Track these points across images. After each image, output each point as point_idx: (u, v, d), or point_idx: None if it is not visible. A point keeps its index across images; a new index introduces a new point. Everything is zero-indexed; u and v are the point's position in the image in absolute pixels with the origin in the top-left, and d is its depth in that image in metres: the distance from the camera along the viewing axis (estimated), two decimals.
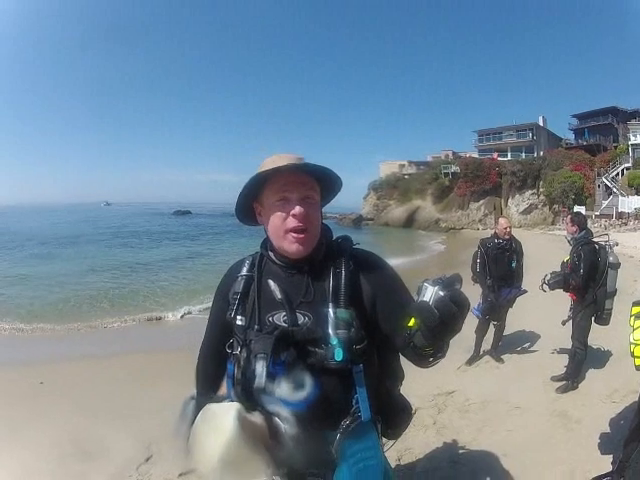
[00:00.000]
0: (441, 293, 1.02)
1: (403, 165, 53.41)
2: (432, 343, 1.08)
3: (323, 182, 1.41)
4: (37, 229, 41.47)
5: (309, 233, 1.35)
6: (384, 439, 1.56)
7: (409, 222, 44.83)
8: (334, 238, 1.50)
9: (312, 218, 1.35)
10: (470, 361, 5.47)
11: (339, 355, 1.27)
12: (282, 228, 1.34)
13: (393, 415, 1.51)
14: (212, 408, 1.29)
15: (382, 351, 1.44)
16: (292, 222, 1.32)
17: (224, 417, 1.22)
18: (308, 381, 1.25)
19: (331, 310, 1.31)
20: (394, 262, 16.41)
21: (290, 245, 1.34)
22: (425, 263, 18.72)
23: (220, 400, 1.37)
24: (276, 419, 1.26)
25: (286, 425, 1.25)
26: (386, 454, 1.56)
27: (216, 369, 1.54)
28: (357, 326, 1.31)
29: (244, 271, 1.48)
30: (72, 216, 72.74)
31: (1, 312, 9.82)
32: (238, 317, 1.42)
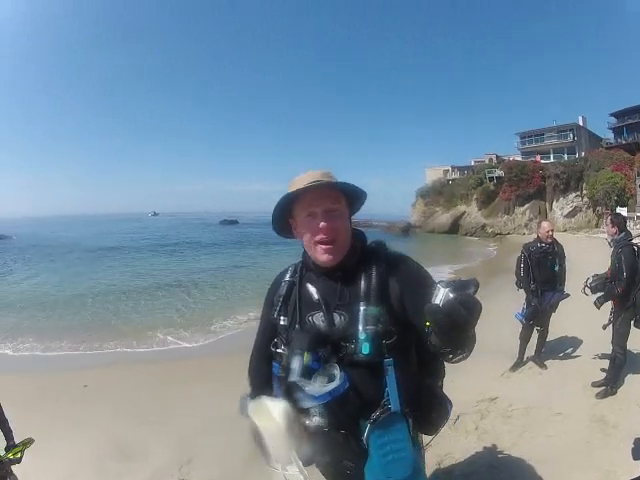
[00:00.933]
0: (451, 295, 1.05)
1: (447, 170, 53.38)
2: (446, 343, 1.10)
3: (347, 193, 1.49)
4: (85, 238, 43.34)
5: (337, 243, 1.44)
6: (421, 435, 1.60)
7: (454, 228, 44.42)
8: (368, 243, 1.58)
9: (338, 229, 1.44)
10: (514, 367, 5.45)
11: (366, 349, 1.34)
12: (312, 241, 1.45)
13: (430, 410, 1.53)
14: (264, 401, 1.40)
15: (420, 348, 1.45)
16: (319, 235, 1.43)
17: (273, 411, 1.34)
18: (338, 374, 1.33)
19: (362, 308, 1.39)
20: (444, 269, 16.72)
21: (320, 256, 1.45)
22: (472, 271, 18.52)
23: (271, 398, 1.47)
24: (308, 413, 1.36)
25: (317, 419, 1.35)
26: (425, 454, 1.61)
27: (266, 368, 1.61)
28: (385, 322, 1.38)
29: (287, 277, 1.62)
30: (121, 225, 75.82)
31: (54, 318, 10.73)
32: (281, 317, 1.54)
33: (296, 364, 1.37)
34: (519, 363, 5.51)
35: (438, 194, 49.98)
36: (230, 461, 3.52)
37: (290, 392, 1.38)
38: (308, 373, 1.36)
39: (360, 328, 1.37)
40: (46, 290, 15.35)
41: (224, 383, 3.89)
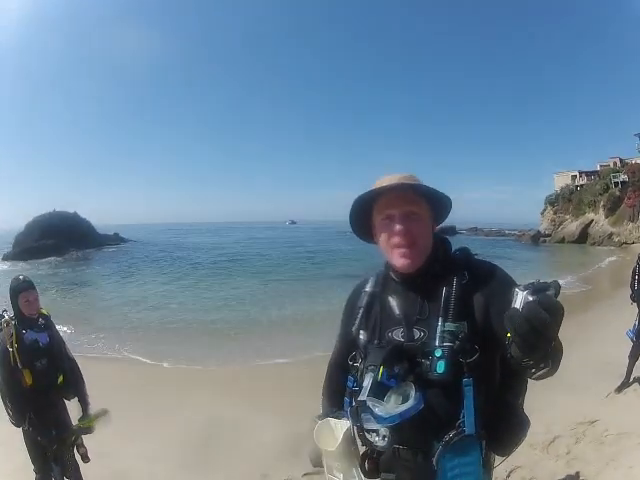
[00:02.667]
0: (530, 298, 0.98)
1: (575, 176, 52.47)
2: (527, 353, 1.02)
3: (429, 198, 1.43)
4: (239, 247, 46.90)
5: (415, 247, 1.38)
6: (494, 455, 1.49)
7: (583, 237, 43.51)
8: (453, 250, 1.51)
9: (417, 233, 1.38)
10: (620, 388, 5.21)
11: (440, 367, 1.28)
12: (389, 245, 1.41)
13: (508, 432, 1.43)
14: (328, 422, 1.46)
15: (504, 363, 1.35)
16: (396, 238, 1.38)
17: (336, 432, 1.41)
18: (413, 394, 1.26)
19: (439, 324, 1.32)
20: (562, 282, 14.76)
21: (397, 260, 1.40)
22: (596, 283, 18.13)
23: (340, 417, 1.49)
24: (374, 435, 1.34)
25: (385, 439, 1.31)
26: (494, 473, 1.53)
27: (340, 382, 1.58)
28: (464, 339, 1.30)
29: (368, 287, 1.57)
30: (265, 233, 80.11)
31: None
32: (361, 331, 1.50)
33: (367, 382, 1.31)
34: (625, 384, 5.25)
35: (567, 201, 49.49)
36: None
37: (358, 410, 1.34)
38: (381, 391, 1.30)
39: (436, 345, 1.31)
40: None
41: None
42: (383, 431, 1.31)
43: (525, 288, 1.02)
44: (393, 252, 1.41)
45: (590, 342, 5.29)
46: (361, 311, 1.53)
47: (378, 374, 1.31)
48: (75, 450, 3.17)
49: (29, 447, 3.09)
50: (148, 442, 4.66)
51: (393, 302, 1.46)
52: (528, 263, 27.27)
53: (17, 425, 3.02)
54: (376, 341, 1.44)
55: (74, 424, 3.16)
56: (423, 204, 1.43)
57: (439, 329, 1.32)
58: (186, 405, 5.84)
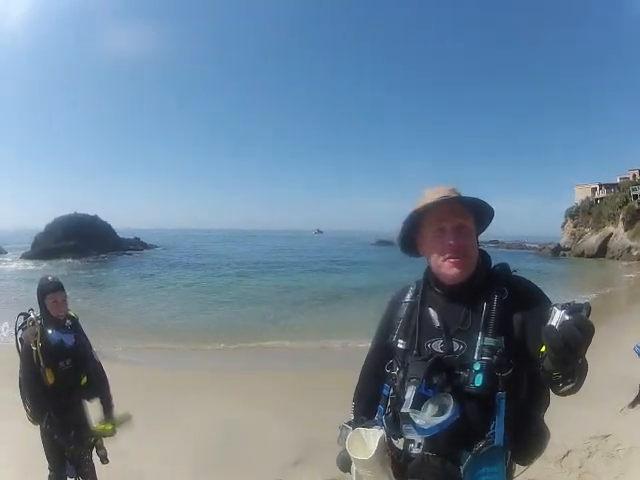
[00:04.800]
0: (567, 317, 1.07)
1: (595, 188, 52.68)
2: (559, 367, 1.11)
3: (475, 210, 1.48)
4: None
5: (466, 259, 1.43)
6: (515, 464, 1.51)
7: (602, 251, 43.45)
8: (492, 266, 1.53)
9: (467, 246, 1.43)
10: (633, 403, 5.22)
11: (479, 381, 1.31)
12: (441, 257, 1.44)
13: (529, 441, 1.46)
14: (360, 432, 1.47)
15: (532, 378, 1.38)
16: (449, 251, 1.42)
17: (369, 442, 1.42)
18: (450, 405, 1.30)
19: (479, 338, 1.35)
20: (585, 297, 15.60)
21: (448, 270, 1.43)
22: (611, 299, 18.45)
23: (370, 426, 1.50)
24: (411, 445, 1.39)
25: (417, 449, 1.37)
26: None
27: (374, 389, 1.62)
28: (502, 353, 1.33)
29: (407, 298, 1.59)
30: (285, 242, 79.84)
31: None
32: (400, 341, 1.52)
33: (409, 394, 1.36)
34: (638, 398, 5.24)
35: (587, 214, 49.47)
36: None
37: (396, 420, 1.43)
38: (419, 400, 1.34)
39: (475, 358, 1.34)
40: None
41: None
42: (419, 439, 1.37)
43: (563, 307, 1.11)
44: (444, 263, 1.44)
45: (606, 356, 5.41)
46: (401, 321, 1.56)
47: (418, 386, 1.35)
48: (94, 451, 3.18)
49: (46, 445, 3.08)
50: (164, 445, 4.72)
51: (433, 313, 1.49)
52: (560, 278, 27.65)
53: (34, 422, 3.03)
54: (415, 351, 1.47)
55: (94, 426, 3.15)
56: (471, 217, 1.48)
57: (479, 343, 1.36)
58: (202, 409, 5.92)
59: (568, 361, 1.08)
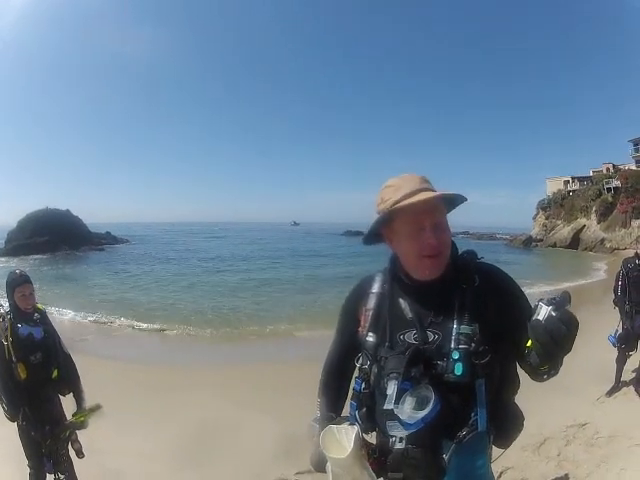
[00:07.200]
0: (553, 314, 1.10)
1: (568, 181, 52.27)
2: (545, 361, 1.16)
3: (449, 202, 1.45)
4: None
5: (442, 256, 1.39)
6: (493, 447, 1.50)
7: (575, 243, 43.49)
8: (459, 253, 1.49)
9: (445, 242, 1.39)
10: (610, 392, 5.29)
11: (458, 369, 1.29)
12: (418, 254, 1.37)
13: (506, 424, 1.46)
14: (332, 429, 1.39)
15: (504, 362, 1.39)
16: (428, 249, 1.35)
17: (342, 439, 1.36)
18: (432, 397, 1.28)
19: (455, 326, 1.33)
20: (561, 287, 15.73)
21: (424, 270, 1.39)
22: (587, 288, 18.57)
23: (341, 422, 1.46)
24: (392, 439, 1.36)
25: (400, 444, 1.34)
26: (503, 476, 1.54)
27: (340, 384, 1.62)
28: (479, 341, 1.31)
29: (375, 288, 1.52)
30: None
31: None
32: (370, 334, 1.46)
33: (392, 389, 1.33)
34: (615, 388, 5.34)
35: (559, 206, 49.39)
36: None
37: (371, 415, 1.43)
38: (400, 394, 1.32)
39: (452, 347, 1.32)
40: None
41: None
42: (401, 434, 1.34)
43: (549, 303, 1.14)
44: (421, 261, 1.38)
45: (581, 347, 5.16)
46: (371, 313, 1.49)
47: (399, 381, 1.33)
48: (70, 446, 3.17)
49: (24, 442, 3.08)
50: (142, 440, 4.71)
51: (404, 304, 1.45)
52: (528, 266, 28.43)
53: (11, 419, 3.02)
54: (387, 344, 1.42)
55: (68, 419, 3.16)
56: (445, 210, 1.45)
57: (454, 331, 1.34)
58: (180, 405, 5.91)
59: (554, 355, 1.14)
